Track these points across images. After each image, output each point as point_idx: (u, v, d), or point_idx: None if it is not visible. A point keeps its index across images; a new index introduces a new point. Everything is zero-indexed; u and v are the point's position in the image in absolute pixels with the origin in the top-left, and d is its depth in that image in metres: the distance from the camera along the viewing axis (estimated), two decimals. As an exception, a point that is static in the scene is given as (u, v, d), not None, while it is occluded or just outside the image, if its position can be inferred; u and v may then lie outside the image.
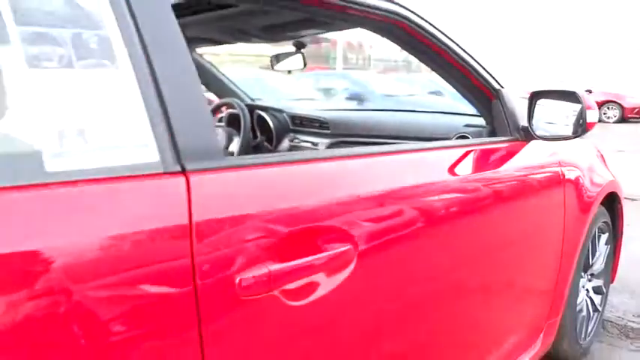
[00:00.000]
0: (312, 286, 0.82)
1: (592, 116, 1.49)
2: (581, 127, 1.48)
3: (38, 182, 0.56)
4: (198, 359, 0.67)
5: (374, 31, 1.34)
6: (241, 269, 0.71)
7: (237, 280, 0.70)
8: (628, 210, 4.48)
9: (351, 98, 8.13)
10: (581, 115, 1.48)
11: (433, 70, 1.51)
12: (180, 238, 0.65)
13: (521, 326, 1.63)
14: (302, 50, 2.16)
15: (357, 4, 1.13)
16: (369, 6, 1.16)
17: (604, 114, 14.51)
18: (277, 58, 2.27)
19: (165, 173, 0.66)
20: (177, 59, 0.70)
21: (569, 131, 1.51)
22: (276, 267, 0.75)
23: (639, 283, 2.82)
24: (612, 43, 22.18)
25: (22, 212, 0.55)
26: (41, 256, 0.54)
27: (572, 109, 1.51)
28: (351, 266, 0.87)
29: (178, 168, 0.68)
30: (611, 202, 2.15)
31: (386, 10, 1.20)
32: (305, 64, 2.23)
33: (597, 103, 13.34)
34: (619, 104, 14.42)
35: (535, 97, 1.52)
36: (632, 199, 4.93)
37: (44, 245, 0.55)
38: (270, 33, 1.72)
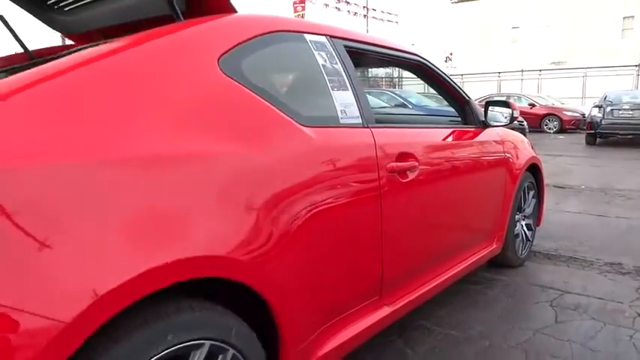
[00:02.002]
0: (410, 174, 2.02)
1: (515, 114, 2.81)
2: (511, 119, 2.79)
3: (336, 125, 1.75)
4: (379, 217, 1.84)
5: (406, 69, 2.61)
6: (398, 163, 1.91)
7: (395, 171, 1.90)
8: (560, 194, 5.98)
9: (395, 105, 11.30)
10: (511, 113, 2.79)
11: (434, 89, 2.79)
12: (372, 153, 1.84)
13: (486, 232, 2.89)
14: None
15: (392, 57, 2.37)
16: (404, 57, 2.41)
17: (545, 125, 16.38)
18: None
19: (364, 127, 1.86)
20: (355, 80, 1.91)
21: (505, 122, 2.82)
22: (401, 164, 1.95)
23: (560, 236, 4.15)
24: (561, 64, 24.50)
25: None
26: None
27: (506, 110, 2.82)
28: (417, 170, 2.08)
29: (367, 125, 1.88)
30: (535, 170, 3.46)
31: (413, 59, 2.46)
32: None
33: (539, 115, 15.11)
34: (558, 117, 16.33)
35: (487, 104, 2.83)
36: (562, 187, 6.39)
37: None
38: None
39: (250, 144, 1.40)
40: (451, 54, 32.66)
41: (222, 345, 1.26)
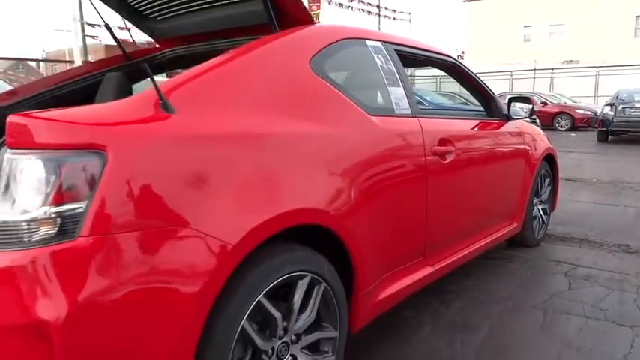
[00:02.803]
0: (448, 157, 2.42)
1: (535, 108, 3.21)
2: (531, 113, 3.19)
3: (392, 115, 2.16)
4: (425, 190, 2.23)
5: (441, 69, 3.01)
6: (439, 147, 2.30)
7: (437, 154, 2.30)
8: (572, 186, 6.34)
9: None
10: (531, 108, 3.19)
11: (464, 86, 3.18)
12: (420, 138, 2.24)
13: (508, 213, 3.28)
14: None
15: (432, 59, 2.77)
16: (441, 59, 2.81)
17: (557, 123, 16.65)
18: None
19: (413, 117, 2.26)
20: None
21: (525, 115, 3.21)
22: (442, 148, 2.34)
23: (572, 222, 4.53)
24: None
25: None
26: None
27: (526, 105, 3.22)
28: (453, 154, 2.47)
29: (415, 115, 2.28)
30: (551, 160, 3.84)
31: (448, 60, 2.86)
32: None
33: (551, 113, 15.39)
34: (570, 115, 16.60)
35: (510, 99, 3.22)
36: (574, 180, 6.74)
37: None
38: None
39: (336, 127, 1.81)
40: (463, 53, 32.91)
41: (318, 277, 1.67)
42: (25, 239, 1.13)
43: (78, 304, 1.11)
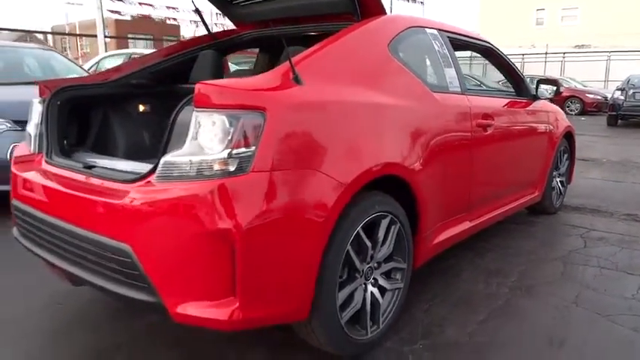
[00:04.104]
0: (488, 130, 2.84)
1: (561, 89, 3.62)
2: (556, 94, 3.61)
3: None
4: (470, 155, 2.65)
5: (479, 53, 3.42)
6: (482, 120, 2.73)
7: (481, 126, 2.73)
8: (584, 165, 6.76)
9: None
10: (557, 89, 3.61)
11: (497, 68, 3.60)
12: (468, 112, 2.66)
13: (532, 182, 3.72)
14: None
15: (472, 43, 3.18)
16: (480, 44, 3.22)
17: (567, 107, 16.96)
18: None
19: (462, 94, 2.68)
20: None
21: (550, 95, 3.64)
22: (484, 121, 2.77)
23: (585, 195, 4.96)
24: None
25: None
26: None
27: (551, 87, 3.64)
28: (493, 127, 2.90)
29: (463, 93, 2.70)
30: (569, 137, 4.26)
31: (486, 45, 3.27)
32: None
33: (562, 97, 15.72)
34: (581, 99, 16.90)
35: (539, 81, 3.64)
36: (586, 160, 7.16)
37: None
38: None
39: (408, 100, 2.24)
40: (474, 34, 32.91)
41: (395, 218, 2.12)
42: (214, 173, 1.57)
43: (251, 218, 1.56)
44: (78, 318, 2.40)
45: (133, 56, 6.93)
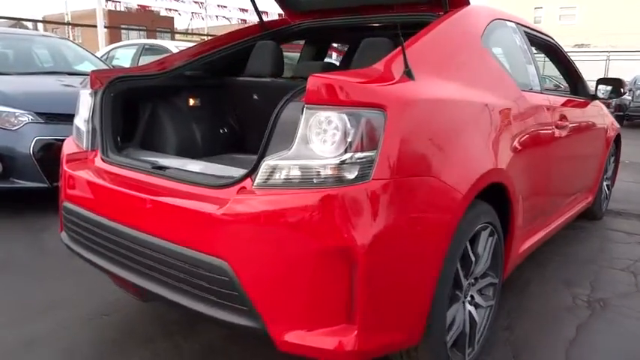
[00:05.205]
0: (563, 131, 2.65)
1: (625, 89, 3.44)
2: (617, 94, 3.42)
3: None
4: (550, 161, 2.45)
5: (544, 50, 3.22)
6: (559, 121, 2.54)
7: (559, 127, 2.53)
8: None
9: None
10: (619, 90, 3.42)
11: (557, 66, 3.41)
12: (549, 112, 2.47)
13: (588, 187, 3.54)
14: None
15: (539, 39, 2.98)
16: (548, 41, 3.02)
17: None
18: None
19: (542, 93, 2.49)
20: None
21: (604, 96, 3.45)
22: (561, 122, 2.58)
23: (620, 199, 4.80)
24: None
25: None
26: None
27: (606, 87, 3.45)
28: (567, 128, 2.70)
29: (543, 92, 2.50)
30: (617, 139, 4.09)
31: (553, 42, 3.07)
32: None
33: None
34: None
35: (599, 80, 3.45)
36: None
37: None
38: None
39: (504, 99, 2.04)
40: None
41: (493, 229, 1.92)
42: (330, 180, 1.36)
43: (375, 232, 1.35)
44: (127, 331, 2.18)
45: (145, 47, 6.65)
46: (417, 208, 1.46)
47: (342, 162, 1.36)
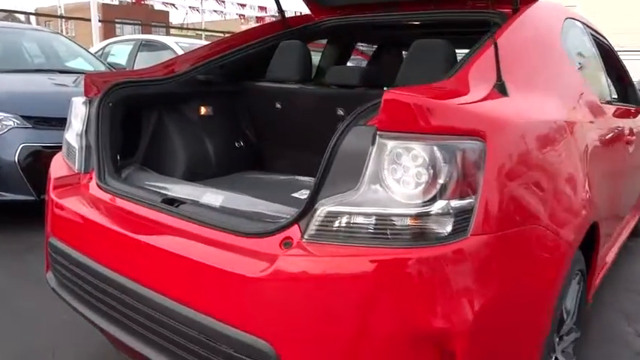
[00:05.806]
0: (630, 148, 2.29)
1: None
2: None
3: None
4: (622, 180, 2.08)
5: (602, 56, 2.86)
6: (629, 137, 2.16)
7: (628, 143, 2.16)
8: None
9: None
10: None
11: (609, 72, 3.04)
12: (621, 125, 2.11)
13: (636, 204, 3.19)
14: None
15: (602, 42, 2.62)
16: (605, 43, 2.66)
17: None
18: None
19: (611, 104, 2.13)
20: None
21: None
22: (630, 137, 2.21)
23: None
24: None
25: None
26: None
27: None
28: (633, 145, 2.34)
29: (609, 102, 2.14)
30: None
31: (605, 43, 2.71)
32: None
33: None
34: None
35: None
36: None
37: None
38: None
39: (591, 117, 1.68)
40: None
41: (581, 277, 1.56)
42: (413, 235, 0.99)
43: (478, 309, 0.98)
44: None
45: (143, 43, 6.22)
46: (524, 271, 1.09)
47: (432, 211, 0.99)
